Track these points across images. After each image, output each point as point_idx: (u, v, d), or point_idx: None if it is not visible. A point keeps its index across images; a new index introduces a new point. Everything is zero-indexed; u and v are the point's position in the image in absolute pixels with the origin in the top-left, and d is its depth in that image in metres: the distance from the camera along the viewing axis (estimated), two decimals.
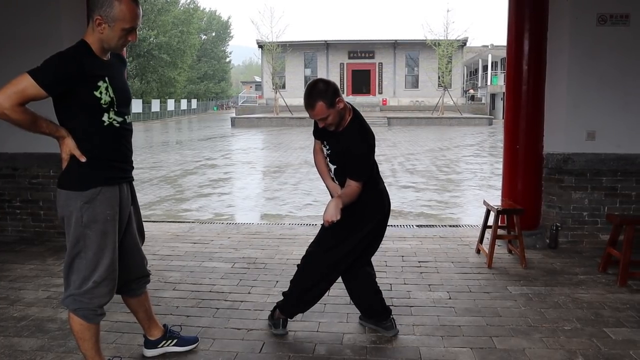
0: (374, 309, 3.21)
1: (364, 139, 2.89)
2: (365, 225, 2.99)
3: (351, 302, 3.33)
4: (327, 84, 2.81)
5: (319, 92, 2.76)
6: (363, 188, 2.91)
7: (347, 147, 2.88)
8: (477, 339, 3.13)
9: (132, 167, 2.59)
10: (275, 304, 3.29)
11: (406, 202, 8.76)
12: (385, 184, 3.16)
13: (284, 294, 3.22)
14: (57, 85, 2.23)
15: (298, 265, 3.16)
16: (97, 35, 2.33)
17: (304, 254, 3.15)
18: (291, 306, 3.18)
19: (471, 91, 44.56)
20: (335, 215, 2.78)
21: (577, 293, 3.87)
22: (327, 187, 3.13)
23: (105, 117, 2.37)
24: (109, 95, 2.35)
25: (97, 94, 2.31)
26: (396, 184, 10.62)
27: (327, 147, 3.01)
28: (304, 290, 3.11)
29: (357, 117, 2.94)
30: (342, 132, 2.91)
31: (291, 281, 3.18)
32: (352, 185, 2.88)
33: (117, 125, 2.42)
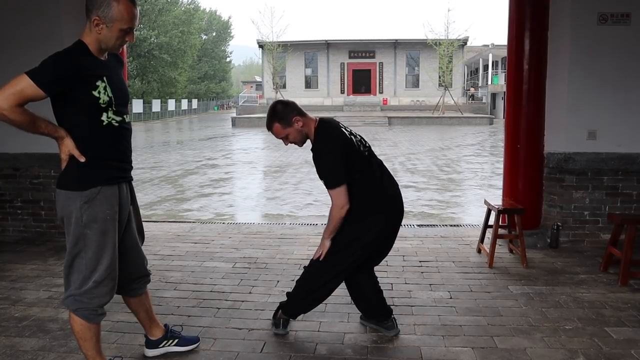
0: (374, 308, 3.21)
1: (322, 143, 2.91)
2: (373, 229, 2.99)
3: (352, 302, 3.33)
4: (285, 105, 2.97)
5: (275, 113, 2.94)
6: (368, 194, 2.94)
7: (313, 159, 2.92)
8: (478, 339, 3.13)
9: (131, 167, 2.59)
10: (279, 304, 3.29)
11: (407, 201, 8.67)
12: (398, 188, 3.12)
13: (288, 294, 3.22)
14: (55, 85, 2.23)
15: (305, 267, 3.17)
16: (95, 36, 2.33)
17: (313, 255, 3.15)
18: (296, 306, 3.18)
19: (472, 90, 44.52)
20: (321, 251, 2.98)
21: (578, 292, 3.87)
22: None
23: (104, 117, 2.37)
24: (107, 95, 2.35)
25: (95, 93, 2.31)
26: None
27: None
28: (310, 291, 3.11)
29: (321, 124, 2.98)
30: (313, 142, 3.00)
31: (297, 281, 3.18)
32: (332, 202, 2.89)
33: (116, 124, 2.42)
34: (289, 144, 3.08)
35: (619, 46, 4.84)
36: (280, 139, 3.01)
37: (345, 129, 3.03)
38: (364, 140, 3.11)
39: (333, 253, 3.01)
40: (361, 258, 3.04)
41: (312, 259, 3.12)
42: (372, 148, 3.15)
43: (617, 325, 3.29)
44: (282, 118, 2.92)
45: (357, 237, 2.98)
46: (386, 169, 3.13)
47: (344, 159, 2.87)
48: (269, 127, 2.97)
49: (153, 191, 10.21)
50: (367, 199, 2.97)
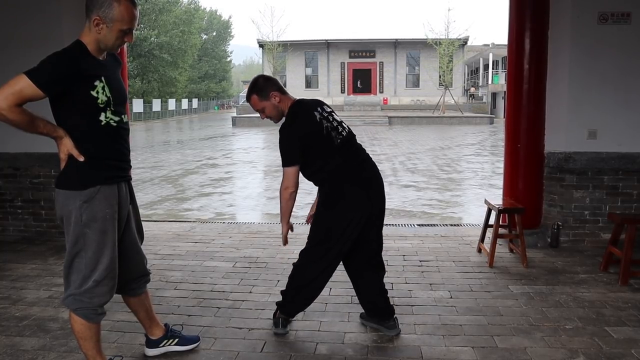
0: (378, 308, 3.21)
1: (286, 123, 3.01)
2: (348, 215, 2.96)
3: (352, 301, 3.33)
4: (267, 80, 3.08)
5: (255, 86, 3.05)
6: (339, 181, 2.96)
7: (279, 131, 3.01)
8: (478, 338, 3.13)
9: (130, 166, 2.60)
10: (276, 303, 3.29)
11: (407, 201, 8.75)
12: (376, 177, 3.10)
13: (282, 292, 3.23)
14: (54, 85, 2.23)
15: (294, 264, 3.17)
16: (94, 36, 2.33)
17: (300, 252, 3.16)
18: (290, 304, 3.19)
19: (472, 89, 44.50)
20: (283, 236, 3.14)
21: (578, 292, 3.87)
22: None
23: (102, 117, 2.37)
24: (106, 95, 2.36)
25: (93, 93, 2.32)
26: (397, 183, 10.62)
27: None
28: (298, 288, 3.12)
29: (293, 106, 3.04)
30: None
31: (288, 278, 3.19)
32: (282, 183, 3.01)
33: (114, 124, 2.42)
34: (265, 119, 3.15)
35: (620, 45, 4.84)
36: (256, 111, 3.10)
37: (321, 113, 3.02)
38: (343, 125, 3.09)
39: (314, 246, 3.02)
40: (343, 250, 3.01)
41: (299, 253, 3.12)
42: (361, 139, 3.14)
43: (618, 325, 3.29)
44: (261, 90, 3.02)
45: (333, 225, 2.97)
46: (365, 153, 3.11)
47: (301, 144, 2.93)
48: (248, 98, 3.08)
49: (153, 191, 10.21)
50: (339, 186, 2.97)
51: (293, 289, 3.14)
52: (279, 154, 3.01)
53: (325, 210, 3.02)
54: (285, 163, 2.97)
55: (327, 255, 3.01)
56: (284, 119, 3.08)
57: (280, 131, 2.98)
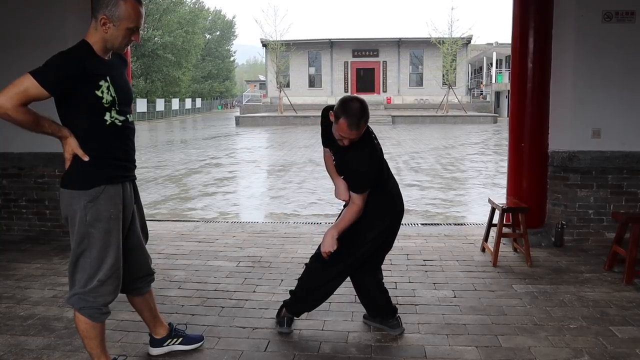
0: (380, 307, 3.21)
1: (366, 156, 2.86)
2: (373, 228, 2.99)
3: (356, 300, 3.33)
4: (366, 105, 2.81)
5: (367, 114, 2.78)
6: (370, 192, 2.92)
7: (350, 161, 2.87)
8: (482, 338, 3.12)
9: (135, 166, 2.60)
10: (282, 302, 3.30)
11: (411, 200, 8.73)
12: (399, 188, 3.14)
13: (291, 292, 3.23)
14: (59, 85, 2.24)
15: (306, 264, 3.17)
16: (101, 35, 2.34)
17: (313, 253, 3.15)
18: (297, 305, 3.19)
19: (482, 86, 44.46)
20: (332, 245, 2.86)
21: (582, 291, 3.86)
22: (334, 183, 3.11)
23: (107, 116, 2.38)
24: (111, 95, 2.36)
25: (98, 93, 2.32)
26: (401, 183, 10.50)
27: (334, 158, 3.02)
28: (310, 290, 3.12)
29: (364, 131, 2.88)
30: (350, 145, 2.85)
31: (298, 279, 3.19)
32: (353, 204, 2.89)
33: (119, 124, 2.43)
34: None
35: (624, 44, 4.82)
36: (350, 139, 2.78)
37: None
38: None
39: (334, 252, 3.01)
40: (363, 257, 3.04)
41: (313, 256, 3.12)
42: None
43: (622, 324, 3.28)
44: (368, 118, 2.79)
45: (359, 236, 2.98)
46: (389, 167, 3.14)
47: (380, 165, 2.92)
48: (359, 127, 2.73)
49: (157, 190, 10.23)
50: (372, 200, 2.96)
51: (304, 290, 3.14)
52: (352, 176, 2.85)
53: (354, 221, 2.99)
54: (364, 189, 2.85)
55: (345, 260, 3.01)
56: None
57: (364, 155, 2.83)
